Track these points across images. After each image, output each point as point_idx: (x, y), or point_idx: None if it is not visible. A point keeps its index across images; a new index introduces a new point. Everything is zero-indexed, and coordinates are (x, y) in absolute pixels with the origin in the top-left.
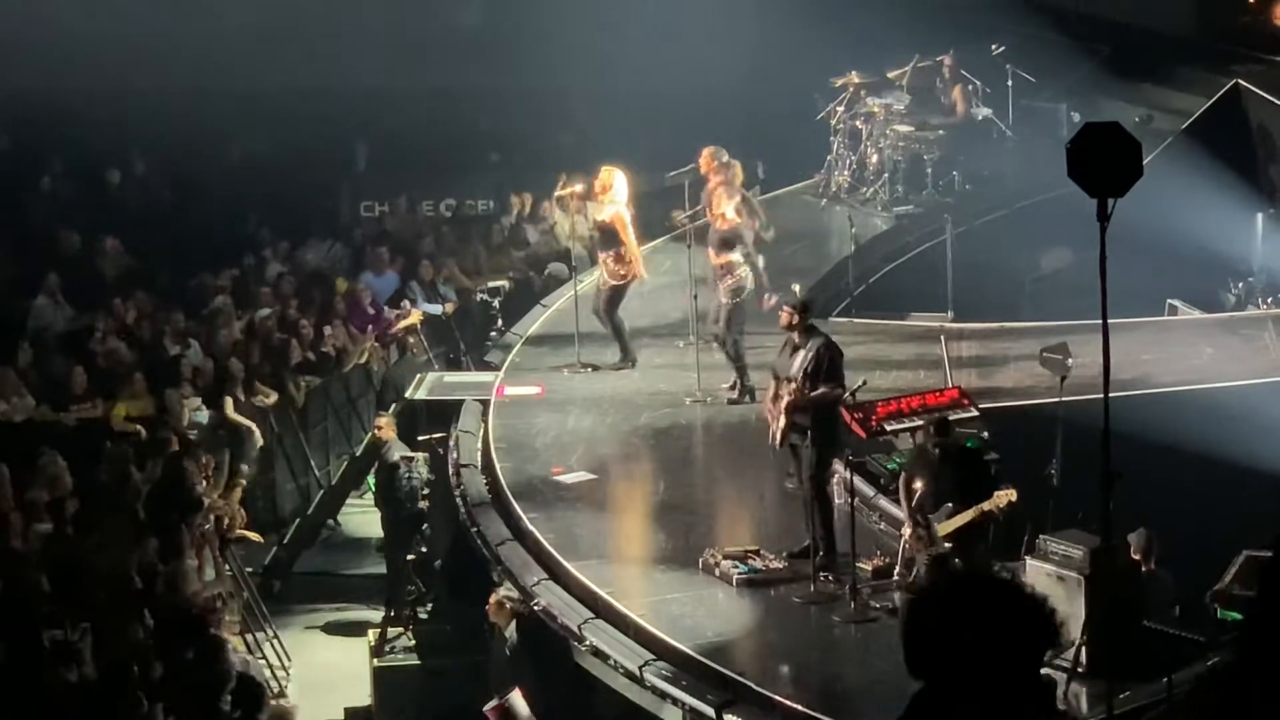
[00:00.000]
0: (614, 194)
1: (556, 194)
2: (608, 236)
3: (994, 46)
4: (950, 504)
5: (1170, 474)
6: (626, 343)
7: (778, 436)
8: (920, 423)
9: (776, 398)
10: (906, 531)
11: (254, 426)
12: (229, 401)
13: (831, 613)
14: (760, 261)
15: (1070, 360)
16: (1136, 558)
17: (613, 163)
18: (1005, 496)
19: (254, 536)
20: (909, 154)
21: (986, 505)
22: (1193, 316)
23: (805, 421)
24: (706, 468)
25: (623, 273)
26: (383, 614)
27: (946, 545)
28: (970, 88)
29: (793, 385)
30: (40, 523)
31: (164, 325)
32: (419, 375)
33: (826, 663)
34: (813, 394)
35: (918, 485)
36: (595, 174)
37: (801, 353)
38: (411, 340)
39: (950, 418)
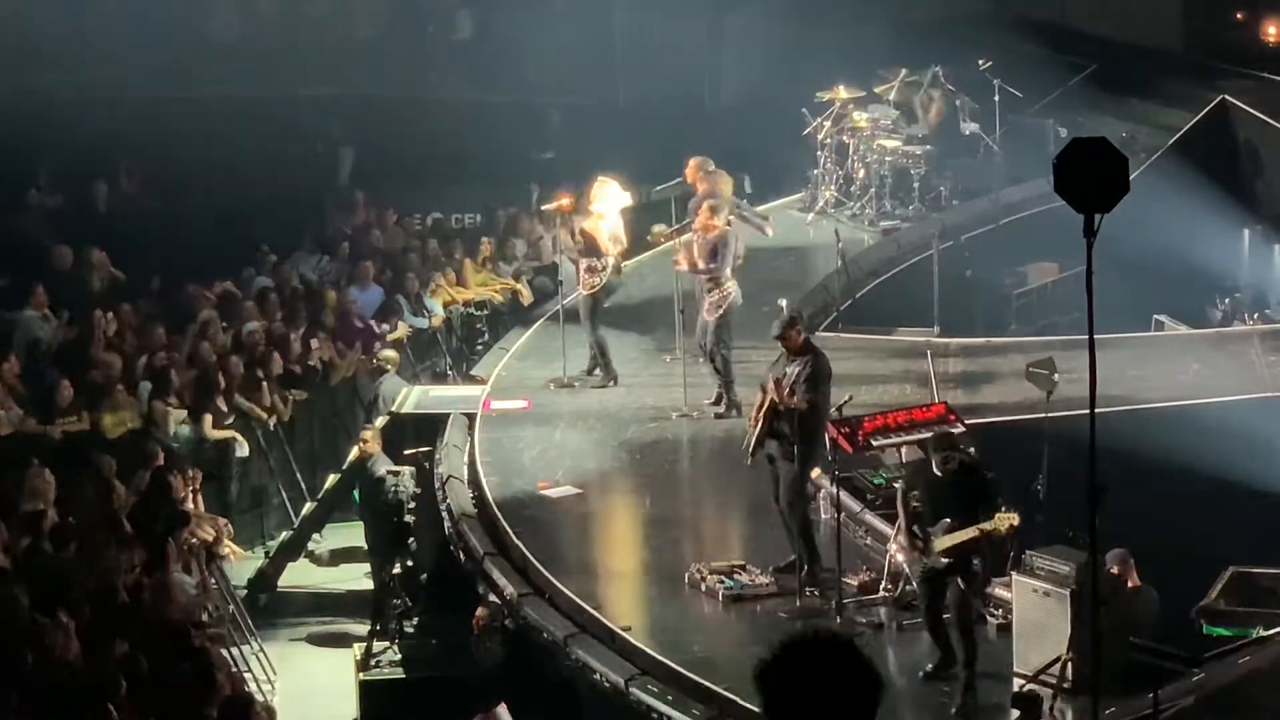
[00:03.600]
0: (602, 206)
1: (544, 208)
2: (589, 247)
3: (981, 61)
4: (948, 520)
5: (1157, 490)
6: (608, 360)
7: (752, 442)
8: (907, 438)
9: (760, 406)
10: (893, 547)
11: (237, 437)
12: (208, 419)
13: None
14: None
15: (1056, 375)
16: (1116, 571)
17: (604, 174)
18: (1007, 520)
19: (238, 551)
20: (895, 168)
21: (987, 526)
22: (1179, 332)
23: (784, 429)
24: (693, 482)
25: (593, 283)
26: (368, 627)
27: (943, 561)
28: (958, 103)
29: (775, 391)
30: (25, 537)
31: (150, 337)
32: (405, 390)
33: None
34: (794, 401)
35: (915, 499)
36: (588, 185)
37: (794, 365)
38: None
39: (953, 432)
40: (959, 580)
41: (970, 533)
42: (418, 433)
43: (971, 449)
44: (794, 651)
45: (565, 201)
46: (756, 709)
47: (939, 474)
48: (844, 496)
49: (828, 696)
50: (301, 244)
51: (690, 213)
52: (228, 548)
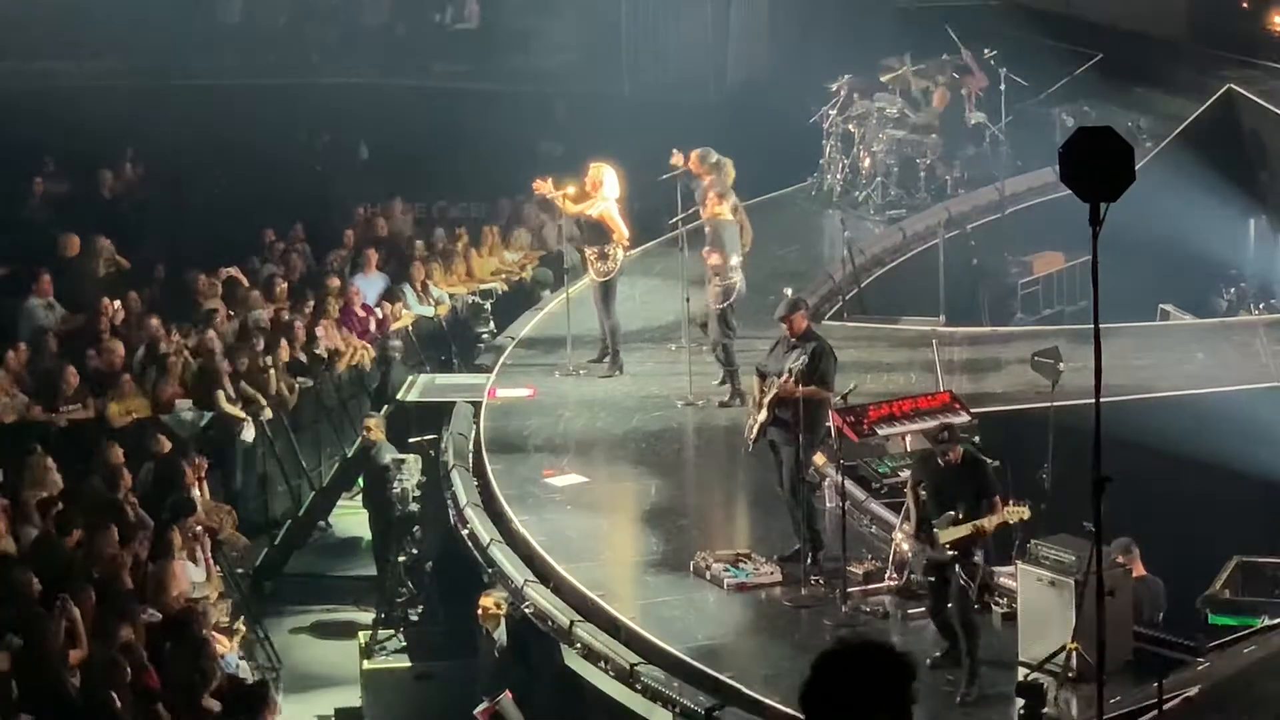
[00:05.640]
0: (604, 190)
1: (548, 195)
2: (595, 233)
3: (987, 51)
4: (952, 513)
5: (1162, 479)
6: (618, 348)
7: (754, 430)
8: (912, 427)
9: (761, 392)
10: (898, 535)
11: (246, 418)
12: (221, 394)
13: (822, 616)
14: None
15: (1062, 365)
16: (1120, 560)
17: (603, 161)
18: (1017, 513)
19: (242, 539)
20: (901, 157)
21: (996, 519)
22: (1185, 321)
23: (786, 415)
24: (698, 471)
25: (606, 269)
26: (373, 616)
27: (950, 553)
28: (964, 91)
29: (781, 380)
30: (30, 524)
31: (155, 325)
32: (410, 377)
33: None
34: (800, 390)
35: (922, 490)
36: (585, 172)
37: (796, 351)
38: (394, 344)
39: (954, 423)
40: (960, 571)
41: (979, 525)
42: (423, 421)
43: (976, 438)
44: (828, 665)
45: (567, 190)
46: (761, 697)
47: (942, 464)
48: (849, 485)
49: (868, 701)
50: (306, 231)
51: (697, 201)
52: (233, 535)
